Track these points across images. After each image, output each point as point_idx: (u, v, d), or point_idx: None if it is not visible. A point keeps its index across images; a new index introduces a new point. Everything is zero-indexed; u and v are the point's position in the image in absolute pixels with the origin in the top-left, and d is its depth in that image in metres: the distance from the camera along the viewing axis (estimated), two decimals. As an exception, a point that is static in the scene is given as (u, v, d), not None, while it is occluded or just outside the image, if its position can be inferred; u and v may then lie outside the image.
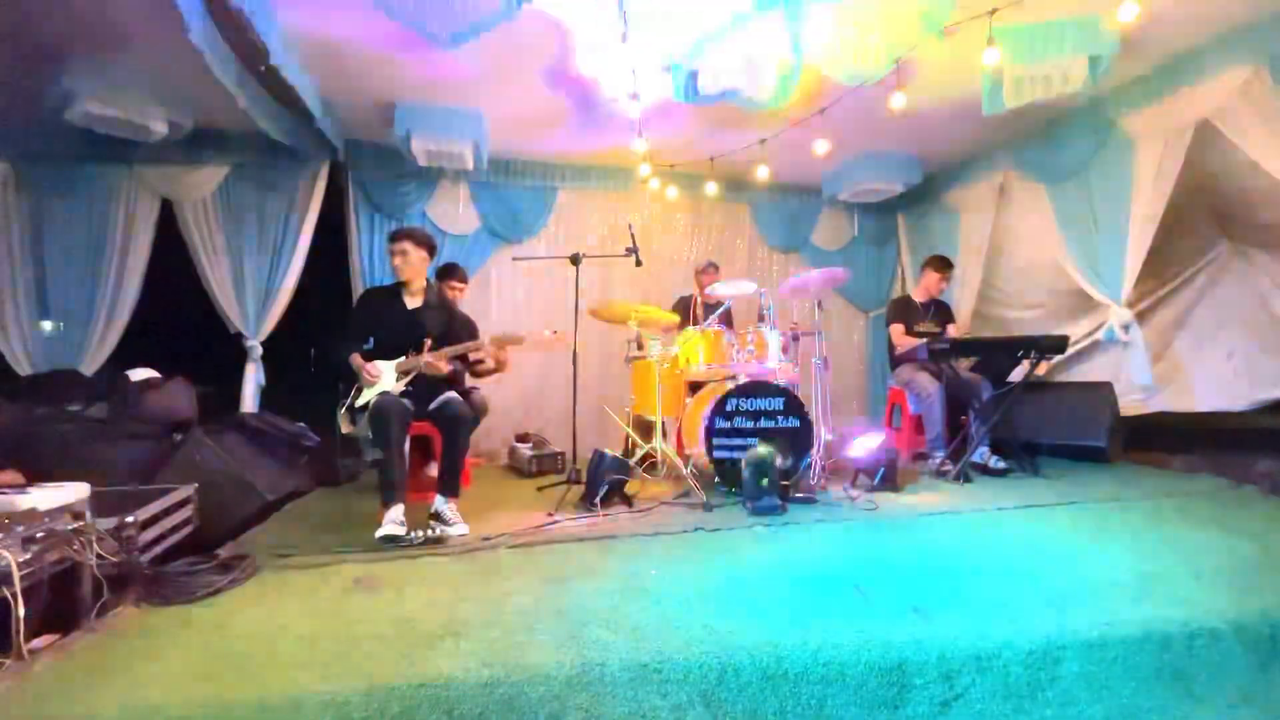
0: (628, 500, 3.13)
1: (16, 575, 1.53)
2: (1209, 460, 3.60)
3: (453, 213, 4.95)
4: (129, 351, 4.30)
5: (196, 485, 2.56)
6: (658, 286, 5.35)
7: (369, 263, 4.76)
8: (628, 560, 2.26)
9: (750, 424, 3.33)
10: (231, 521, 2.73)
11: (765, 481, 2.90)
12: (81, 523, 1.86)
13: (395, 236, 3.08)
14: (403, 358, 2.97)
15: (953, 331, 4.40)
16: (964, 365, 4.19)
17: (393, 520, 2.53)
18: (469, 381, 3.87)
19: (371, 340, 3.05)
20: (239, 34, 2.83)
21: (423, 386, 2.97)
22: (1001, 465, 3.72)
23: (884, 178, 4.99)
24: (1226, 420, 4.33)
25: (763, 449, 2.97)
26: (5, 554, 1.54)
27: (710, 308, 4.45)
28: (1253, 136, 3.26)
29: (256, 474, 2.98)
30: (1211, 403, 4.41)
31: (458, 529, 2.63)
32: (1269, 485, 3.06)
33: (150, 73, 3.34)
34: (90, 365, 4.17)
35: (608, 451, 3.12)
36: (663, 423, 3.58)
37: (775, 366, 3.51)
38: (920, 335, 4.21)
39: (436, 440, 3.01)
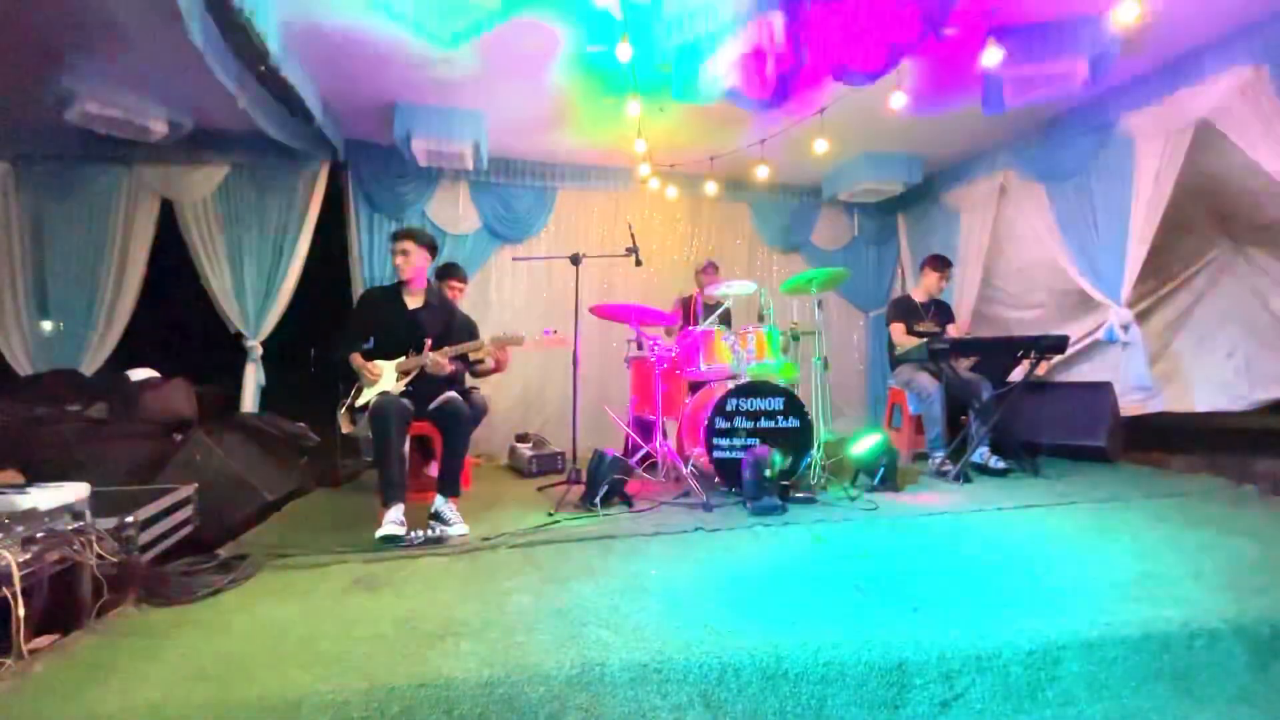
0: (628, 500, 3.13)
1: (16, 575, 1.53)
2: (1209, 460, 3.60)
3: (453, 213, 4.95)
4: (129, 351, 4.30)
5: (196, 485, 2.57)
6: (658, 287, 5.36)
7: (369, 263, 4.76)
8: (628, 560, 2.26)
9: (750, 424, 3.33)
10: (231, 521, 2.73)
11: (765, 482, 2.90)
12: (81, 523, 1.87)
13: (398, 236, 3.08)
14: (403, 358, 2.97)
15: (953, 331, 4.40)
16: (964, 365, 4.19)
17: (393, 520, 2.53)
18: (469, 381, 3.87)
19: (372, 340, 3.05)
20: (239, 34, 2.83)
21: (423, 386, 2.97)
22: (1001, 465, 3.72)
23: (884, 178, 4.99)
24: (1226, 420, 4.33)
25: (768, 453, 2.97)
26: (5, 554, 1.54)
27: (710, 308, 4.45)
28: (1253, 136, 3.26)
29: (256, 474, 2.98)
30: (1211, 403, 4.41)
31: (458, 529, 2.63)
32: (1269, 485, 3.06)
33: (150, 73, 3.34)
34: (90, 365, 4.17)
35: (608, 451, 3.12)
36: (663, 422, 3.57)
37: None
38: (921, 335, 4.21)
39: (436, 440, 3.01)
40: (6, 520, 1.71)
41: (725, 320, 4.33)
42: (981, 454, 3.75)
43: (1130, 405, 4.06)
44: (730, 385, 3.39)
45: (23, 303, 4.14)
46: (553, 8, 3.04)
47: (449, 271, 3.99)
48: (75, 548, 1.76)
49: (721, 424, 3.29)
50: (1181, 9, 3.07)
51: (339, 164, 4.61)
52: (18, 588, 1.53)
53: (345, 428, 3.01)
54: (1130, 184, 3.86)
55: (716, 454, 3.28)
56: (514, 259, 4.94)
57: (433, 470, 3.38)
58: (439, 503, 2.73)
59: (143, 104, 3.55)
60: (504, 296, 5.16)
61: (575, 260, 3.74)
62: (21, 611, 1.53)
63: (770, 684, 1.47)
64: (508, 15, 3.00)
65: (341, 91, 3.85)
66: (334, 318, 3.75)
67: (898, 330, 4.32)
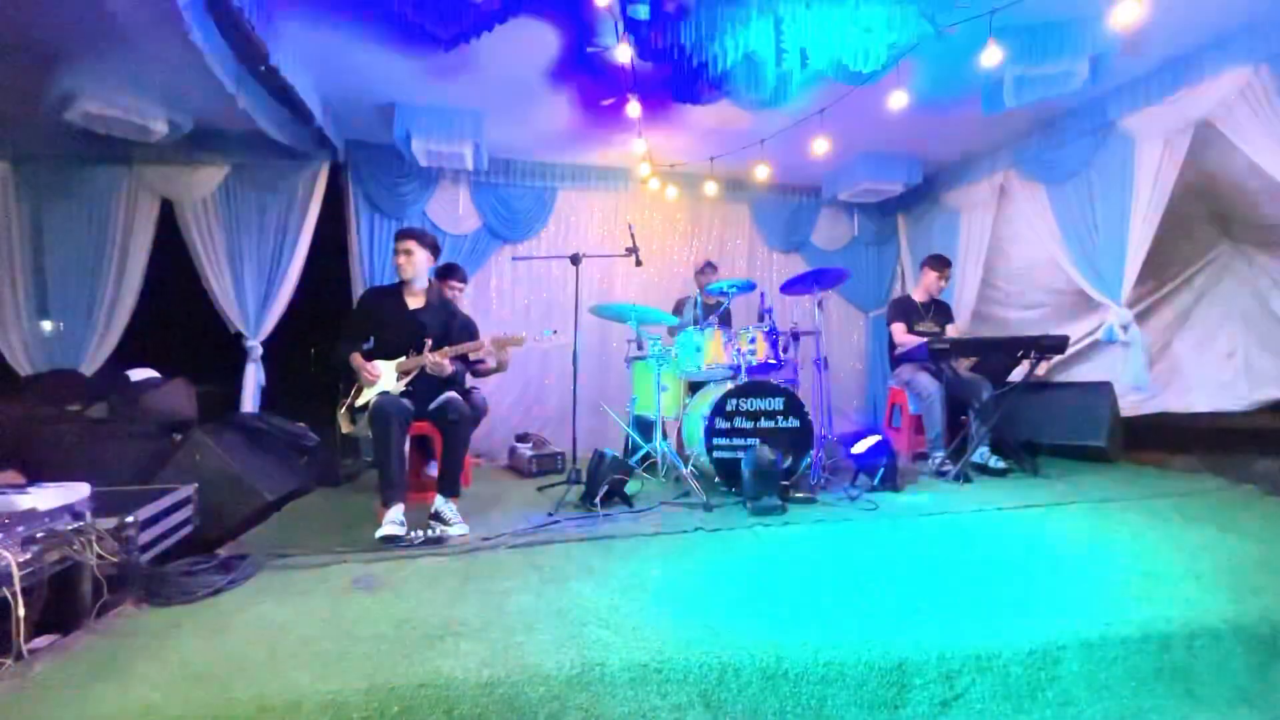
0: (628, 500, 3.13)
1: (16, 575, 1.53)
2: (1209, 460, 3.60)
3: (453, 213, 4.95)
4: (129, 351, 4.30)
5: (196, 485, 2.57)
6: (658, 286, 5.36)
7: (369, 263, 4.76)
8: (628, 560, 2.26)
9: (750, 424, 3.33)
10: (231, 521, 2.73)
11: (766, 481, 2.90)
12: (81, 523, 1.86)
13: (401, 236, 3.08)
14: (403, 358, 2.97)
15: (952, 331, 4.40)
16: (964, 365, 4.19)
17: (393, 520, 2.53)
18: (469, 381, 3.87)
19: (372, 340, 3.06)
20: (239, 34, 2.83)
21: (423, 386, 2.97)
22: (1001, 465, 3.72)
23: (884, 178, 4.99)
24: (1227, 420, 4.32)
25: (769, 454, 2.97)
26: (5, 554, 1.54)
27: (709, 308, 4.45)
28: (1253, 136, 3.26)
29: (256, 474, 2.98)
30: (1211, 403, 4.41)
31: (458, 529, 2.63)
32: (1269, 485, 3.06)
33: (150, 73, 3.33)
34: (90, 365, 4.17)
35: (608, 451, 3.12)
36: (663, 422, 3.57)
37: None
38: (921, 335, 4.22)
39: (436, 440, 3.01)
40: (6, 520, 1.71)
41: (724, 320, 4.33)
42: (981, 454, 3.75)
43: (1130, 405, 4.06)
44: (730, 385, 3.39)
45: (23, 303, 4.13)
46: (553, 8, 3.04)
47: (449, 272, 3.99)
48: (75, 548, 1.76)
49: (721, 424, 3.29)
50: (1181, 9, 3.07)
51: (339, 164, 4.60)
52: (18, 588, 1.53)
53: (345, 428, 3.01)
54: (1130, 184, 3.86)
55: (716, 454, 3.28)
56: (514, 259, 4.94)
57: (433, 470, 3.38)
58: (439, 503, 2.73)
59: (143, 104, 3.54)
60: (504, 296, 5.15)
61: (575, 260, 3.74)
62: (21, 611, 1.53)
63: (770, 684, 1.47)
64: (507, 16, 3.00)
65: (341, 91, 3.85)
66: (334, 318, 3.74)
67: (898, 330, 4.32)
